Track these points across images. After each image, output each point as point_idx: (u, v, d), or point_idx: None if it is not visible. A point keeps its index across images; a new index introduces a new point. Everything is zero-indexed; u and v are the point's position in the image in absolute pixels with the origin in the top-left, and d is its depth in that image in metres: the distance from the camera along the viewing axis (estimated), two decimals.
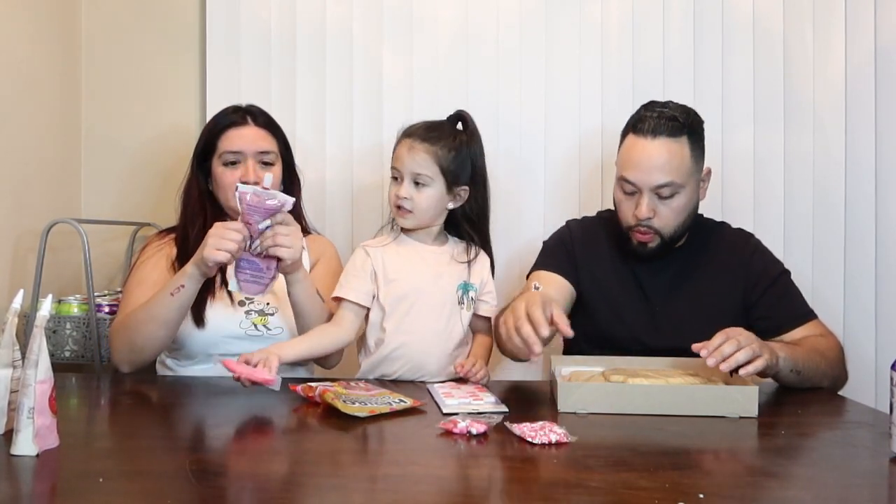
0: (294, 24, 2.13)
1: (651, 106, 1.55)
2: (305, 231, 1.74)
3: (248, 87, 2.11)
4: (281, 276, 1.46)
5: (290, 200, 1.42)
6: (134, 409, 1.36)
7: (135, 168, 2.18)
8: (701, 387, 1.27)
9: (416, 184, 1.49)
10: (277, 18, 2.13)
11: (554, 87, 2.11)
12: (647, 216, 1.52)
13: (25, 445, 0.98)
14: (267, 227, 1.40)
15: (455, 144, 1.52)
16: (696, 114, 1.57)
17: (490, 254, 1.62)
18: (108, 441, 1.16)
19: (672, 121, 1.51)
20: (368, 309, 1.51)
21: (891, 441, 1.01)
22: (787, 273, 1.63)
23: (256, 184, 1.47)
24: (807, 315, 1.58)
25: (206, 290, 1.52)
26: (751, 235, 1.68)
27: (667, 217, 1.54)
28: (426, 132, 1.52)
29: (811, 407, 1.35)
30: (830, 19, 2.02)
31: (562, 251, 1.68)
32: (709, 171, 1.62)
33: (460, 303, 1.53)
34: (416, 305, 1.50)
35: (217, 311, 1.55)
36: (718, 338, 1.28)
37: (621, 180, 1.55)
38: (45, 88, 2.03)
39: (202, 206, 1.62)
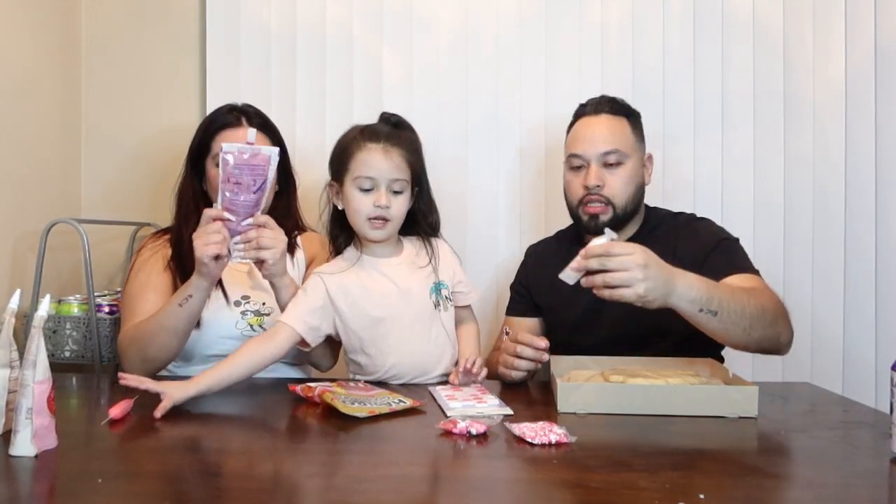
0: (294, 24, 2.13)
1: (590, 98, 1.68)
2: (301, 229, 1.74)
3: (248, 87, 2.12)
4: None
5: (275, 151, 1.36)
6: (133, 409, 1.36)
7: (135, 168, 2.18)
8: (701, 387, 1.27)
9: (393, 191, 1.42)
10: (277, 18, 2.13)
11: (554, 87, 2.11)
12: (595, 183, 1.58)
13: (24, 446, 0.98)
14: (248, 226, 1.37)
15: (415, 145, 1.46)
16: (632, 106, 1.68)
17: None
18: (107, 441, 1.16)
19: (612, 102, 1.64)
20: (303, 340, 1.40)
21: (891, 441, 1.01)
22: (732, 240, 1.58)
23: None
24: (745, 268, 1.48)
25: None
26: (696, 218, 1.67)
27: (615, 186, 1.59)
28: (393, 135, 1.43)
29: (811, 407, 1.35)
30: (830, 19, 2.02)
31: (520, 290, 1.78)
32: (650, 157, 1.69)
33: (437, 307, 1.48)
34: (395, 328, 1.44)
35: (213, 312, 1.55)
36: (599, 250, 1.22)
37: (570, 158, 1.64)
38: (45, 88, 2.03)
39: (196, 206, 1.60)
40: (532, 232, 2.10)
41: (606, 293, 1.23)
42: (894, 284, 1.97)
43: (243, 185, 1.35)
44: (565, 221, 1.90)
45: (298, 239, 1.71)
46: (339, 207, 1.47)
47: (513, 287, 1.81)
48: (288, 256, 1.64)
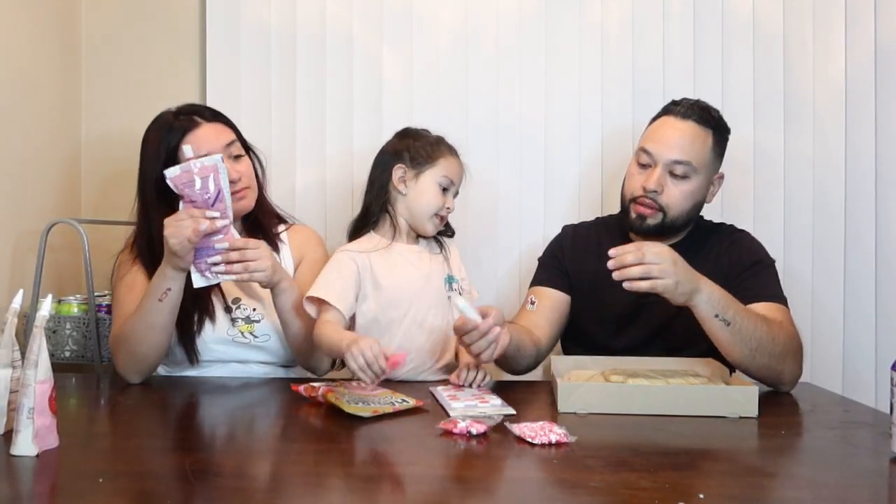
0: (294, 24, 2.13)
1: (686, 98, 1.62)
2: (281, 220, 1.70)
3: (248, 87, 2.12)
4: None
5: (218, 157, 1.36)
6: (133, 409, 1.36)
7: (135, 168, 2.17)
8: (701, 387, 1.27)
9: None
10: (277, 18, 2.13)
11: (554, 86, 2.11)
12: (653, 188, 1.54)
13: (25, 445, 0.99)
14: (222, 249, 1.36)
15: None
16: (725, 121, 1.62)
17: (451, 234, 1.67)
18: (108, 441, 1.16)
19: (704, 111, 1.58)
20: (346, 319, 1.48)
21: (891, 441, 1.01)
22: (767, 263, 1.58)
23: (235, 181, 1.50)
24: (772, 296, 1.50)
25: (199, 317, 1.51)
26: (737, 230, 1.67)
27: (673, 197, 1.55)
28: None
29: (811, 407, 1.35)
30: (830, 19, 2.02)
31: (554, 263, 1.72)
32: (721, 177, 1.64)
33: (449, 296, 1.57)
34: (413, 309, 1.52)
35: (206, 317, 1.53)
36: (632, 246, 1.32)
37: (640, 151, 1.58)
38: (45, 88, 2.03)
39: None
40: (533, 231, 2.10)
41: (638, 283, 1.30)
42: (894, 284, 1.97)
43: (199, 202, 1.35)
44: (565, 220, 1.90)
45: (284, 235, 1.67)
46: (402, 192, 1.55)
47: (543, 260, 1.75)
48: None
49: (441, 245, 1.62)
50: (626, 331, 1.59)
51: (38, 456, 0.99)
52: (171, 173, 1.35)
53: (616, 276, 1.30)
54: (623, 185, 1.65)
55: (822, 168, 2.03)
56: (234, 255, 1.36)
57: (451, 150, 1.59)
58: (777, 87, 2.05)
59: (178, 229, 1.33)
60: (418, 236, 1.60)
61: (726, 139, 1.62)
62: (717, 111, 1.61)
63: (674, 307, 1.53)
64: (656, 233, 1.59)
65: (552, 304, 1.65)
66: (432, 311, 1.53)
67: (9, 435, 1.02)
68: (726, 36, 2.06)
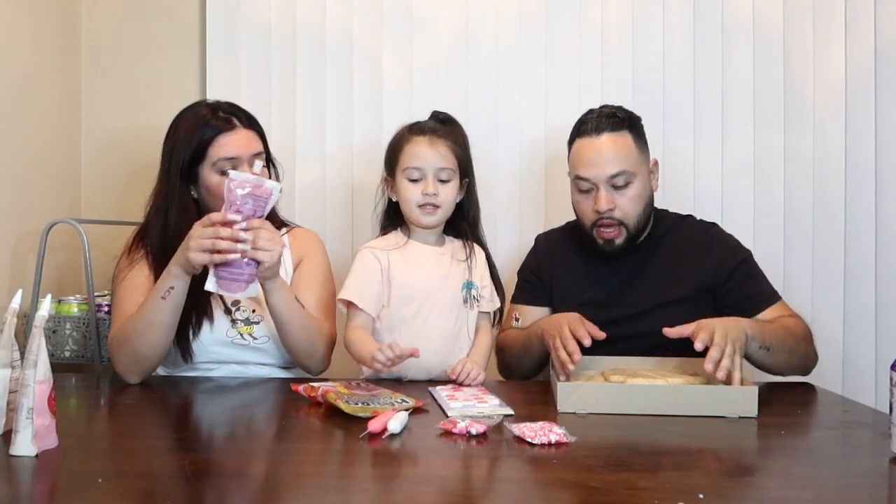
0: (294, 24, 2.13)
1: (590, 111, 1.63)
2: (283, 224, 1.70)
3: (248, 87, 2.11)
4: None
5: (277, 187, 1.38)
6: (133, 409, 1.36)
7: (135, 168, 2.18)
8: (701, 387, 1.27)
9: (440, 180, 1.52)
10: (277, 18, 2.13)
11: (554, 87, 2.11)
12: (606, 208, 1.56)
13: (24, 446, 0.98)
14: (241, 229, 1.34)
15: (461, 139, 1.59)
16: (632, 112, 1.64)
17: (484, 246, 1.65)
18: (107, 441, 1.16)
19: (611, 117, 1.59)
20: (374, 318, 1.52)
21: (891, 441, 1.01)
22: (749, 256, 1.63)
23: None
24: (773, 296, 1.59)
25: (196, 318, 1.50)
26: (711, 225, 1.69)
27: (626, 207, 1.57)
28: (439, 129, 1.56)
29: (811, 407, 1.36)
30: (830, 19, 2.02)
31: (530, 278, 1.75)
32: (656, 163, 1.67)
33: (465, 302, 1.55)
34: (426, 308, 1.52)
35: (206, 318, 1.52)
36: (703, 332, 1.30)
37: (577, 180, 1.61)
38: (45, 88, 2.03)
39: (185, 211, 1.53)
40: (532, 231, 2.09)
41: (722, 374, 1.28)
42: (894, 284, 1.97)
43: (244, 214, 1.35)
44: (567, 221, 1.90)
45: (286, 237, 1.67)
46: (394, 200, 1.58)
47: (521, 273, 1.78)
48: None
49: (468, 251, 1.60)
50: (602, 327, 1.60)
51: (37, 456, 0.99)
52: (237, 176, 1.35)
53: (720, 374, 1.27)
54: (576, 213, 1.67)
55: (822, 168, 2.03)
56: (243, 235, 1.34)
57: (412, 137, 1.55)
58: (777, 87, 2.05)
59: (202, 235, 1.32)
60: (446, 237, 1.61)
61: (642, 127, 1.63)
62: (620, 107, 1.62)
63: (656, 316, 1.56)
64: (626, 248, 1.61)
65: (533, 319, 1.66)
66: (445, 313, 1.52)
67: (8, 435, 1.02)
68: (726, 36, 2.06)
